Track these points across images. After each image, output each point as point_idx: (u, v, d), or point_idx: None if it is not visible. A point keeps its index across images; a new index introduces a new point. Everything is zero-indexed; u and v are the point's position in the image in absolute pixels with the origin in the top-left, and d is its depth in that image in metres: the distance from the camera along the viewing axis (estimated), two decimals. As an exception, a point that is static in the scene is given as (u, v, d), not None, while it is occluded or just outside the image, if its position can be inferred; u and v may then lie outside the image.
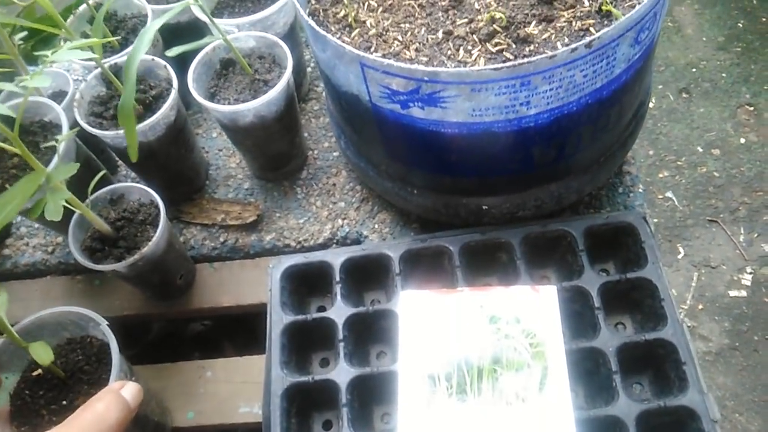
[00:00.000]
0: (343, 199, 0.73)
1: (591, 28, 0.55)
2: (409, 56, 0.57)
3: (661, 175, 1.71)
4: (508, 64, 0.45)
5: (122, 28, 0.73)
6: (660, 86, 1.89)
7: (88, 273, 0.73)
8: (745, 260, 1.58)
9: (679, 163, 1.75)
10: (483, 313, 0.57)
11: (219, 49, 0.67)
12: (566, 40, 0.55)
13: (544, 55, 0.45)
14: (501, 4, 0.59)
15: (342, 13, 0.62)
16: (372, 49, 0.58)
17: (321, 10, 0.63)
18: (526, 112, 0.50)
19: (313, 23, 0.51)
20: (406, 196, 0.64)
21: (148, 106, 0.65)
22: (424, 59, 0.56)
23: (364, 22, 0.61)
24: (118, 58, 0.67)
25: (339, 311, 0.59)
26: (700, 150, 1.75)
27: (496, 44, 0.56)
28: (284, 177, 0.75)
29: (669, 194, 1.69)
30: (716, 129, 1.78)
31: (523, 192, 0.60)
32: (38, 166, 0.50)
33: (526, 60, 0.45)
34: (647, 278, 0.57)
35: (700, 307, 1.53)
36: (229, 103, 0.65)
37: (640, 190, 0.69)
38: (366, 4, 0.62)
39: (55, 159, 0.58)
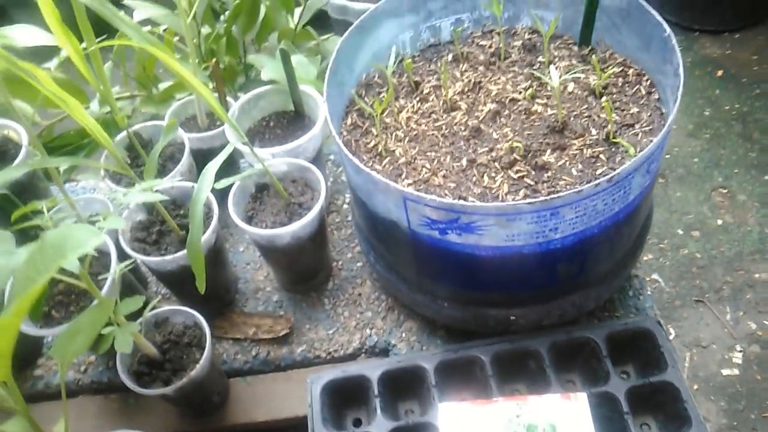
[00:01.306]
0: (370, 308, 0.77)
1: (601, 155, 0.62)
2: (438, 182, 0.63)
3: (646, 258, 1.78)
4: (540, 198, 0.50)
5: (159, 155, 0.78)
6: (637, 172, 1.99)
7: (122, 392, 0.74)
8: (734, 339, 1.64)
9: (661, 245, 1.83)
10: (520, 423, 0.60)
11: (254, 174, 0.72)
12: (580, 166, 0.61)
13: (572, 191, 0.51)
14: (516, 133, 0.65)
15: (372, 143, 0.68)
16: (403, 176, 0.64)
17: (353, 141, 0.69)
18: (553, 237, 0.55)
19: (357, 162, 0.57)
20: (436, 308, 0.68)
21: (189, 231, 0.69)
22: (452, 185, 0.62)
23: (393, 151, 0.67)
24: (162, 185, 0.72)
25: (380, 426, 0.62)
26: (681, 232, 1.84)
27: (517, 171, 0.62)
28: (312, 289, 0.79)
29: (655, 276, 1.76)
30: (694, 212, 1.88)
31: (548, 303, 0.64)
32: (105, 301, 0.53)
33: (557, 195, 0.51)
34: (670, 382, 0.61)
35: (696, 387, 1.57)
36: (266, 226, 0.69)
37: (649, 293, 0.74)
38: (393, 134, 0.68)
39: (107, 287, 0.61)
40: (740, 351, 1.63)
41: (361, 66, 0.74)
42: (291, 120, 0.81)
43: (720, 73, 2.22)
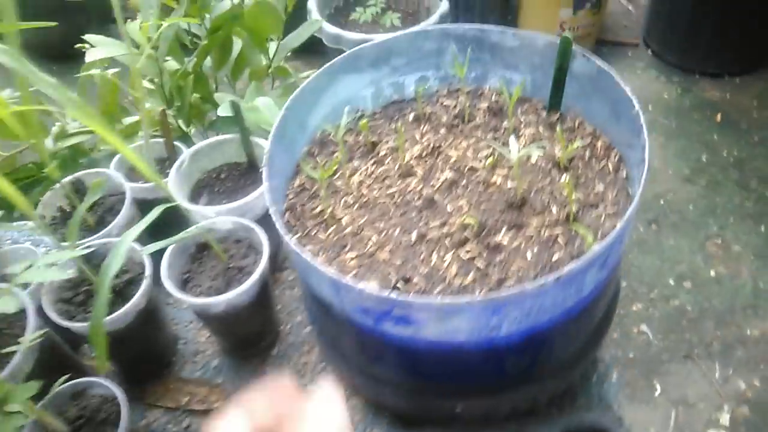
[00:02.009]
0: (314, 380, 0.71)
1: (559, 238, 0.57)
2: (384, 258, 0.58)
3: (634, 308, 1.72)
4: (479, 297, 0.45)
5: (99, 206, 0.73)
6: (630, 216, 1.94)
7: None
8: (721, 398, 1.57)
9: (651, 295, 1.76)
10: None
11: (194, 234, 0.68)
12: (535, 249, 0.56)
13: (515, 289, 0.46)
14: (472, 207, 0.61)
15: (318, 209, 0.63)
16: (347, 248, 0.59)
17: (298, 205, 0.64)
18: (497, 334, 0.50)
19: (290, 240, 0.52)
20: (378, 393, 0.63)
21: (119, 293, 0.64)
22: (398, 262, 0.57)
23: (340, 219, 0.62)
24: (94, 241, 0.67)
25: None
26: (672, 282, 1.78)
27: (468, 251, 0.57)
28: (255, 354, 0.74)
29: (643, 327, 1.69)
30: (686, 261, 1.82)
31: (497, 395, 0.59)
32: (-4, 386, 0.48)
33: (497, 294, 0.46)
34: (625, 492, 0.56)
35: (681, 448, 1.50)
36: (201, 291, 0.64)
37: (614, 379, 0.69)
38: (342, 200, 0.64)
39: (15, 362, 0.56)
40: (728, 412, 1.55)
41: (315, 122, 0.69)
42: (244, 173, 0.76)
43: (719, 117, 2.16)
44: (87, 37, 0.85)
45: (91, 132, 1.03)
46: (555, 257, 0.55)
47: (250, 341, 0.72)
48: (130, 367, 0.69)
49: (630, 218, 0.50)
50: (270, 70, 1.11)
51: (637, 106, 0.57)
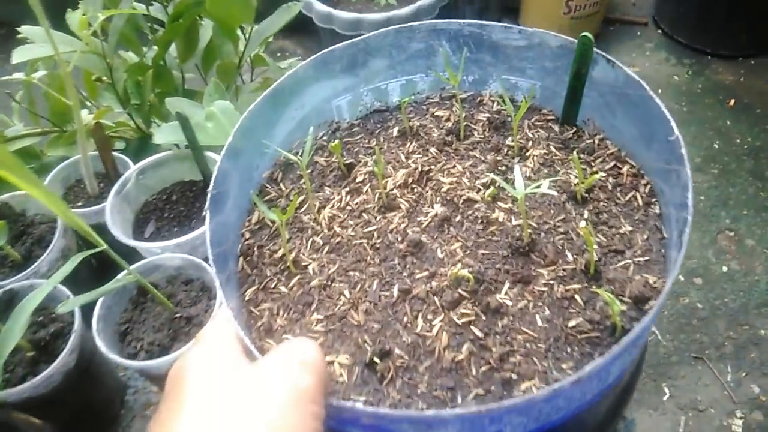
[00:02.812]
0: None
1: (577, 296, 0.46)
2: (357, 321, 0.47)
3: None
4: (473, 409, 0.34)
5: (28, 235, 0.62)
6: (638, 207, 1.82)
7: None
8: (734, 403, 1.48)
9: (660, 292, 1.66)
10: None
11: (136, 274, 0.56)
12: (547, 313, 0.45)
13: (518, 399, 0.35)
14: (468, 252, 0.49)
15: (280, 252, 0.52)
16: (312, 307, 0.48)
17: (256, 247, 0.52)
18: (498, 436, 0.39)
19: (228, 308, 0.40)
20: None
21: (44, 348, 0.53)
22: (375, 327, 0.46)
23: (306, 266, 0.50)
24: (17, 282, 0.56)
25: None
26: (682, 279, 1.68)
27: (463, 315, 0.46)
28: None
29: (652, 327, 1.60)
30: (697, 256, 1.72)
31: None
32: None
33: (495, 405, 0.34)
34: None
35: (690, 457, 1.42)
36: (143, 347, 0.53)
37: (634, 443, 0.58)
38: (310, 240, 0.52)
39: None
40: (740, 418, 1.47)
41: (279, 139, 0.57)
42: (198, 193, 0.65)
43: (732, 102, 2.04)
44: (23, 29, 0.73)
45: (43, 133, 0.91)
46: (571, 323, 0.44)
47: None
48: (67, 428, 0.58)
49: (670, 287, 0.39)
50: (248, 59, 0.99)
51: (676, 132, 0.45)
